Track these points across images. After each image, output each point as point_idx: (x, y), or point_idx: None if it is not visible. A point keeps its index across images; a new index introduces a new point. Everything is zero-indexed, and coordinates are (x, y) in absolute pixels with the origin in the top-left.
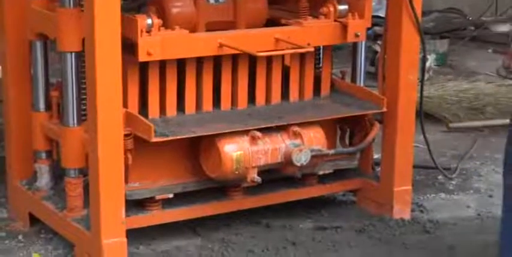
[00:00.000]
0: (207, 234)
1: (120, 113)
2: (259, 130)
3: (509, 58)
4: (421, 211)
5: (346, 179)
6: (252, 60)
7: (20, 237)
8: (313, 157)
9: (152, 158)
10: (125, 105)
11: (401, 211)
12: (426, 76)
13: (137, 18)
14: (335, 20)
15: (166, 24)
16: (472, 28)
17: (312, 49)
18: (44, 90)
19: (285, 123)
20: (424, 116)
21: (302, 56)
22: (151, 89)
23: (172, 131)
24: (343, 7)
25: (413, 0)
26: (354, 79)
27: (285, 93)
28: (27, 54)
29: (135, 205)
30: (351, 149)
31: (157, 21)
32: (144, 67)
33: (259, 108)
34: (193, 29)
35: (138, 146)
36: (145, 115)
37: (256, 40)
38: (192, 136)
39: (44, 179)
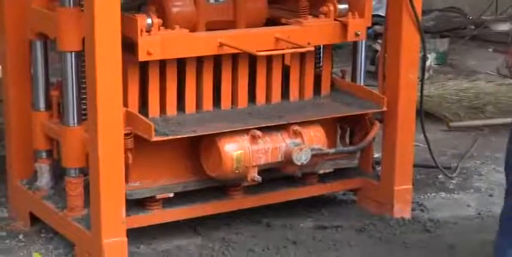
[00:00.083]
0: (207, 233)
1: (120, 112)
2: (260, 129)
3: (510, 57)
4: (422, 210)
5: (347, 178)
6: (252, 59)
7: (21, 236)
8: (313, 156)
9: (152, 157)
10: (125, 104)
11: (402, 210)
12: (426, 75)
13: (137, 17)
14: (335, 19)
15: (166, 23)
16: (472, 27)
17: (312, 48)
18: (44, 90)
19: (285, 122)
20: (425, 115)
21: (302, 55)
22: (151, 88)
23: (173, 130)
24: (343, 6)
25: None
26: (354, 78)
27: (285, 93)
28: (27, 54)
29: (135, 204)
30: (351, 148)
31: (157, 20)
32: (144, 66)
33: (260, 107)
34: (193, 29)
35: (139, 145)
36: (146, 114)
37: (257, 39)
38: (193, 135)
39: (45, 179)
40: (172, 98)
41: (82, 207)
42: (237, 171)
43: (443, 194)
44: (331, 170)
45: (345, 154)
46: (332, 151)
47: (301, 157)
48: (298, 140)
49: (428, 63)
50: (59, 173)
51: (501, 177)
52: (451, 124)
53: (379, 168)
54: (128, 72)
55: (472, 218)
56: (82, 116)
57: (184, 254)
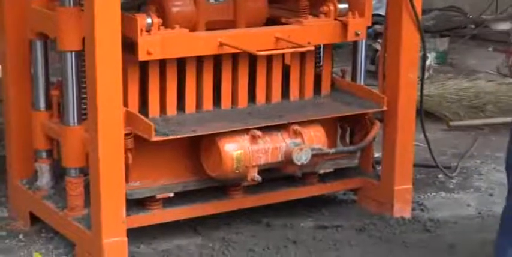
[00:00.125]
0: (207, 233)
1: (120, 112)
2: (260, 128)
3: (510, 57)
4: (422, 210)
5: (347, 178)
6: (252, 59)
7: (21, 236)
8: (313, 155)
9: (152, 157)
10: (125, 104)
11: (402, 209)
12: (426, 75)
13: (137, 17)
14: (335, 19)
15: (166, 23)
16: (473, 26)
17: (312, 48)
18: (44, 90)
19: (286, 122)
20: (425, 114)
21: (302, 55)
22: (151, 88)
23: (173, 130)
24: (343, 6)
25: None
26: (354, 78)
27: (285, 92)
28: (27, 54)
29: (135, 204)
30: (351, 147)
31: (157, 20)
32: (144, 66)
33: (260, 107)
34: (193, 28)
35: (139, 145)
36: (146, 114)
37: (257, 39)
38: (193, 135)
39: (45, 179)
40: (172, 97)
41: (82, 207)
42: (237, 171)
43: (443, 193)
44: (331, 169)
45: (345, 153)
46: (332, 150)
47: (302, 157)
48: (298, 140)
49: (428, 62)
50: (59, 173)
51: (501, 176)
52: (451, 124)
53: (379, 168)
54: (128, 72)
55: (472, 218)
56: (82, 116)
57: (184, 253)
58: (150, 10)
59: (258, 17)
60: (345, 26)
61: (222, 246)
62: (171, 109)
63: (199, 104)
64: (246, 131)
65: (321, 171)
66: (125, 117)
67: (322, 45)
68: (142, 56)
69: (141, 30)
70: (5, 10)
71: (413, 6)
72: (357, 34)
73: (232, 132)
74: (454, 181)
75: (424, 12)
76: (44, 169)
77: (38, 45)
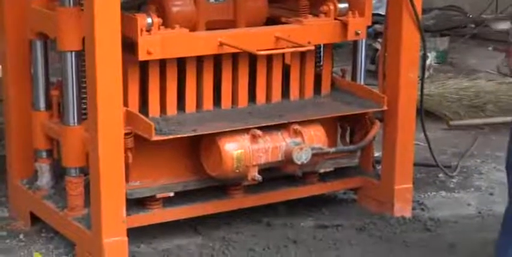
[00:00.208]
0: (207, 233)
1: (120, 112)
2: (260, 128)
3: (510, 56)
4: (422, 209)
5: (347, 178)
6: (253, 58)
7: (21, 236)
8: (313, 155)
9: (153, 156)
10: (125, 104)
11: (402, 209)
12: (426, 74)
13: (137, 17)
14: (335, 19)
15: (166, 23)
16: (473, 26)
17: (313, 47)
18: (44, 90)
19: (286, 121)
20: (425, 114)
21: (302, 55)
22: (151, 87)
23: (173, 129)
24: (343, 5)
25: None
26: (354, 77)
27: (285, 92)
28: (27, 54)
29: (135, 203)
30: (351, 147)
31: (157, 20)
32: (144, 66)
33: (260, 106)
34: (193, 28)
35: (139, 144)
36: (146, 114)
37: (257, 39)
38: (193, 134)
39: (45, 178)
40: (172, 97)
41: (82, 207)
42: (237, 170)
43: (443, 193)
44: (331, 169)
45: (345, 153)
46: (332, 150)
47: (302, 156)
48: (298, 140)
49: (428, 62)
50: (59, 173)
51: (501, 176)
52: (451, 123)
53: (379, 167)
54: (128, 72)
55: (472, 217)
56: (82, 116)
57: (184, 253)
58: (150, 10)
59: (258, 17)
60: (345, 25)
61: (222, 246)
62: (171, 109)
63: (199, 104)
64: (246, 130)
65: (321, 170)
66: (125, 117)
67: (322, 45)
68: (142, 56)
69: (141, 30)
70: (5, 10)
71: (413, 5)
72: (357, 33)
73: (232, 131)
74: (454, 180)
75: (424, 11)
76: (44, 168)
77: (38, 45)
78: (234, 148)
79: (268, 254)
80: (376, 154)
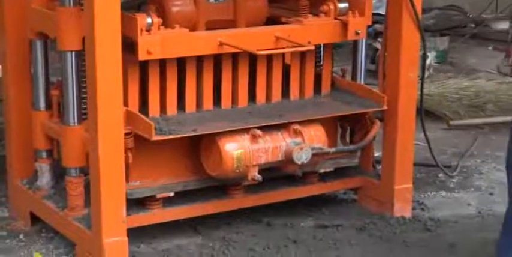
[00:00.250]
0: (207, 232)
1: (120, 111)
2: (260, 128)
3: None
4: (422, 209)
5: (347, 177)
6: (253, 58)
7: (21, 236)
8: (313, 155)
9: (153, 156)
10: (126, 104)
11: (402, 209)
12: (426, 74)
13: (137, 17)
14: (335, 18)
15: (166, 23)
16: (473, 25)
17: (313, 47)
18: (44, 89)
19: (286, 121)
20: (425, 113)
21: (302, 54)
22: (151, 87)
23: (173, 129)
24: (343, 5)
25: None
26: (354, 77)
27: (285, 92)
28: (27, 54)
29: (135, 203)
30: (351, 147)
31: (157, 20)
32: (144, 66)
33: (260, 106)
34: (193, 28)
35: (139, 144)
36: (146, 114)
37: (257, 38)
38: (193, 134)
39: (45, 178)
40: (172, 97)
41: (82, 206)
42: (237, 170)
43: (443, 192)
44: (331, 169)
45: (346, 152)
46: (332, 150)
47: (302, 156)
48: (298, 139)
49: (428, 61)
50: (59, 173)
51: (502, 175)
52: (451, 123)
53: (379, 167)
54: (128, 72)
55: (472, 217)
56: (82, 116)
57: (184, 253)
58: (150, 10)
59: (258, 17)
60: (345, 25)
61: (223, 246)
62: (171, 109)
63: (199, 104)
64: (246, 130)
65: (321, 170)
66: (125, 117)
67: (322, 45)
68: (142, 56)
69: (141, 29)
70: (5, 10)
71: (413, 5)
72: (357, 33)
73: (232, 131)
74: (454, 180)
75: (424, 11)
76: (44, 168)
77: (38, 45)
78: (234, 148)
79: (268, 254)
80: (376, 154)
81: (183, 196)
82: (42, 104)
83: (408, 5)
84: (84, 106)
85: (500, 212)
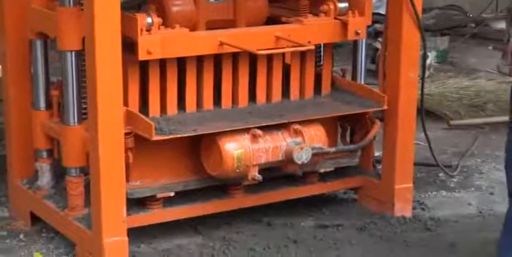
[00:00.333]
0: (208, 232)
1: (120, 111)
2: (260, 128)
3: (506, 55)
4: (422, 209)
5: (347, 177)
6: (253, 58)
7: (21, 236)
8: (314, 155)
9: (153, 156)
10: (126, 103)
11: (403, 208)
12: (427, 73)
13: (137, 16)
14: (335, 18)
15: (167, 22)
16: (473, 25)
17: (313, 47)
18: (45, 89)
19: (286, 121)
20: (425, 113)
21: (303, 54)
22: (151, 87)
23: (173, 129)
24: (343, 5)
25: None
26: (354, 77)
27: (285, 92)
28: (28, 53)
29: (136, 203)
30: (351, 147)
31: (158, 19)
32: (144, 66)
33: (260, 106)
34: (193, 28)
35: (139, 144)
36: (146, 114)
37: (257, 38)
38: (193, 134)
39: (45, 178)
40: (172, 97)
41: (83, 206)
42: (237, 170)
43: (444, 192)
44: (331, 168)
45: (346, 152)
46: (333, 149)
47: (302, 156)
48: (298, 139)
49: (428, 61)
50: (59, 173)
51: (502, 175)
52: (452, 122)
53: (379, 166)
54: (128, 72)
55: (472, 217)
56: (82, 116)
57: (185, 253)
58: (150, 10)
59: (258, 16)
60: (345, 25)
61: (223, 245)
62: (172, 108)
63: (199, 104)
64: (246, 130)
65: (322, 170)
66: (125, 117)
67: (322, 44)
68: (142, 56)
69: (141, 29)
70: (5, 10)
71: (413, 5)
72: (357, 33)
73: (232, 131)
74: (454, 179)
75: (424, 11)
76: (44, 168)
77: (38, 44)
78: (234, 148)
79: (268, 254)
80: (377, 154)
81: (183, 196)
82: (42, 104)
83: (408, 4)
84: (85, 106)
85: (501, 212)
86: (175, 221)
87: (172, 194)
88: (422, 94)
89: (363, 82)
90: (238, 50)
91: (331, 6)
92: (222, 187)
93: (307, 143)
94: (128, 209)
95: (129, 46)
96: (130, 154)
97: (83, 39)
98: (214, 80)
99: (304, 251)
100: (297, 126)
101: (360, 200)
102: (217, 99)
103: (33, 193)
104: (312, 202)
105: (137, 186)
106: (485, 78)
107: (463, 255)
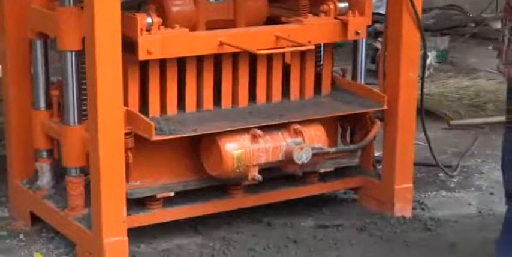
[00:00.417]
0: (208, 232)
1: (120, 111)
2: (260, 128)
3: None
4: (422, 209)
5: (347, 177)
6: (253, 58)
7: (21, 236)
8: (314, 155)
9: (153, 156)
10: (126, 103)
11: (403, 208)
12: (427, 73)
13: (137, 16)
14: (335, 18)
15: (167, 22)
16: (473, 25)
17: (313, 47)
18: (44, 89)
19: (286, 121)
20: (425, 113)
21: (303, 54)
22: (151, 87)
23: (173, 129)
24: (343, 5)
25: None
26: (354, 77)
27: (285, 92)
28: (28, 53)
29: (136, 203)
30: (351, 147)
31: (158, 19)
32: (144, 66)
33: (260, 106)
34: (193, 28)
35: (139, 144)
36: (146, 114)
37: (257, 38)
38: (193, 134)
39: (45, 178)
40: (172, 97)
41: (83, 206)
42: (237, 170)
43: (444, 192)
44: (331, 168)
45: (346, 152)
46: (333, 149)
47: (302, 156)
48: (298, 139)
49: (428, 61)
50: (59, 173)
51: (501, 175)
52: (452, 122)
53: (379, 166)
54: (128, 72)
55: (473, 217)
56: (82, 116)
57: (185, 253)
58: (150, 9)
59: (258, 16)
60: (345, 24)
61: (223, 245)
62: (172, 108)
63: (199, 104)
64: (246, 130)
65: (322, 170)
66: (125, 117)
67: (322, 44)
68: (142, 56)
69: (141, 29)
70: (5, 10)
71: (413, 5)
72: (357, 33)
73: (232, 131)
74: (454, 179)
75: (424, 10)
76: (44, 168)
77: (38, 44)
78: (234, 148)
79: (268, 254)
80: (377, 154)
81: (183, 196)
82: (42, 104)
83: (408, 4)
84: (84, 106)
85: (501, 212)
86: (175, 221)
87: (172, 194)
88: (422, 94)
89: (363, 82)
90: (238, 50)
91: (331, 6)
92: (222, 187)
93: (307, 143)
94: (128, 209)
95: (129, 46)
96: (130, 154)
97: (83, 39)
98: (214, 80)
99: (304, 251)
100: (297, 127)
101: (360, 200)
102: (217, 99)
103: (33, 193)
104: (312, 202)
105: (137, 186)
106: (485, 78)
107: (463, 255)
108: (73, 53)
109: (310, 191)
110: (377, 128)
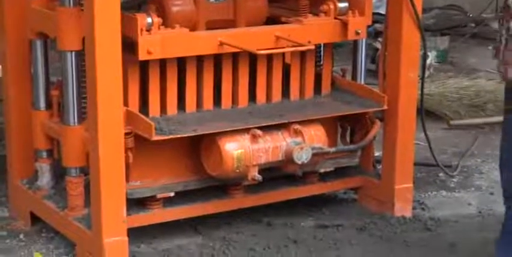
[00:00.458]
0: (208, 232)
1: (120, 111)
2: (260, 128)
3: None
4: (422, 209)
5: (347, 177)
6: (253, 58)
7: (21, 236)
8: (314, 155)
9: (153, 156)
10: (126, 103)
11: (403, 208)
12: (427, 73)
13: (137, 16)
14: (335, 18)
15: (167, 22)
16: (473, 25)
17: (313, 47)
18: (45, 89)
19: (286, 121)
20: (425, 113)
21: (303, 54)
22: (151, 87)
23: (173, 129)
24: (343, 5)
25: None
26: (354, 77)
27: (285, 92)
28: (28, 53)
29: (136, 203)
30: (351, 147)
31: (158, 19)
32: (144, 66)
33: (260, 106)
34: (193, 28)
35: (139, 144)
36: (146, 114)
37: (257, 38)
38: (193, 134)
39: (45, 178)
40: (172, 97)
41: (83, 206)
42: (237, 170)
43: (444, 192)
44: (331, 168)
45: (346, 152)
46: (333, 149)
47: (302, 156)
48: (298, 139)
49: (428, 61)
50: (59, 173)
51: None
52: (452, 122)
53: (379, 166)
54: (128, 72)
55: (472, 217)
56: (82, 116)
57: (185, 253)
58: (150, 9)
59: (258, 16)
60: (345, 25)
61: (223, 245)
62: (172, 108)
63: (199, 104)
64: (246, 130)
65: (322, 170)
66: (125, 117)
67: (322, 44)
68: (142, 56)
69: (141, 29)
70: (5, 10)
71: (413, 5)
72: (357, 33)
73: (232, 131)
74: (454, 179)
75: (424, 10)
76: (44, 168)
77: (38, 44)
78: (234, 148)
79: (268, 254)
80: (377, 154)
81: (183, 196)
82: (42, 104)
83: (408, 4)
84: (84, 106)
85: (501, 212)
86: (175, 221)
87: (172, 194)
88: (422, 94)
89: (363, 82)
90: (238, 50)
91: (331, 6)
92: (222, 187)
93: (307, 143)
94: (128, 209)
95: (129, 46)
96: (130, 154)
97: (83, 39)
98: (214, 80)
99: (304, 251)
100: (297, 126)
101: (360, 200)
102: (217, 99)
103: (33, 193)
104: (312, 202)
105: (137, 186)
106: (485, 78)
107: (463, 255)
108: (73, 53)
109: (310, 191)
110: (377, 128)
